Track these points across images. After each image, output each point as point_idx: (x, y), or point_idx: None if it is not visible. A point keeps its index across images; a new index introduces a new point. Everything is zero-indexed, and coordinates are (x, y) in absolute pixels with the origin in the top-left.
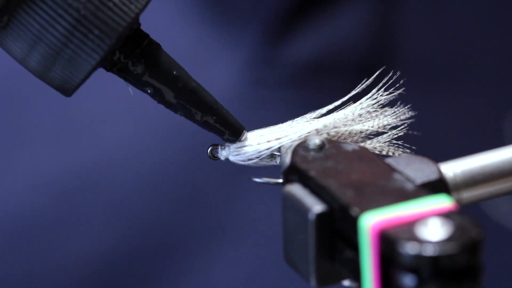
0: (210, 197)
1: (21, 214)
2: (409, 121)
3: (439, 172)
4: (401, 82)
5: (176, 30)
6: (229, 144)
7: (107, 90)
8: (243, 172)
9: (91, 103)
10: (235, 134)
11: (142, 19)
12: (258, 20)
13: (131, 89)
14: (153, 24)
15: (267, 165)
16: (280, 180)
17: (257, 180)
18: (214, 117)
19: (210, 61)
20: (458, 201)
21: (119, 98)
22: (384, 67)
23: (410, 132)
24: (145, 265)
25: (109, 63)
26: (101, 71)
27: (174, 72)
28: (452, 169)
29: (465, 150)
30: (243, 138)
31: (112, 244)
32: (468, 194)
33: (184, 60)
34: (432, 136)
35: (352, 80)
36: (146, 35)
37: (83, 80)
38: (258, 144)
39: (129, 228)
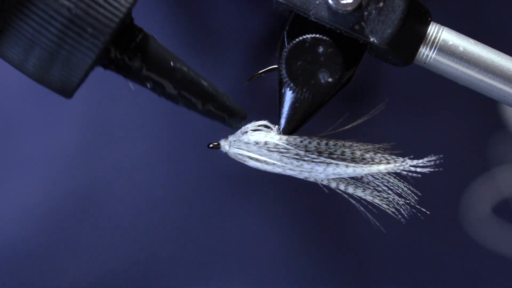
0: (211, 217)
1: (15, 240)
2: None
3: (430, 21)
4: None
5: None
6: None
7: (103, 106)
8: (245, 191)
9: (83, 123)
10: (238, 119)
11: None
12: (241, 45)
13: (131, 84)
14: None
15: (265, 162)
16: (275, 66)
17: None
18: (215, 105)
19: None
20: (424, 57)
21: (116, 114)
22: (384, 102)
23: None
24: None
25: (106, 61)
26: (98, 82)
27: (172, 63)
28: (441, 31)
29: (452, 173)
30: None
31: (108, 269)
32: (436, 57)
33: None
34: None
35: (339, 99)
36: (140, 29)
37: (82, 80)
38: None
39: (127, 253)
